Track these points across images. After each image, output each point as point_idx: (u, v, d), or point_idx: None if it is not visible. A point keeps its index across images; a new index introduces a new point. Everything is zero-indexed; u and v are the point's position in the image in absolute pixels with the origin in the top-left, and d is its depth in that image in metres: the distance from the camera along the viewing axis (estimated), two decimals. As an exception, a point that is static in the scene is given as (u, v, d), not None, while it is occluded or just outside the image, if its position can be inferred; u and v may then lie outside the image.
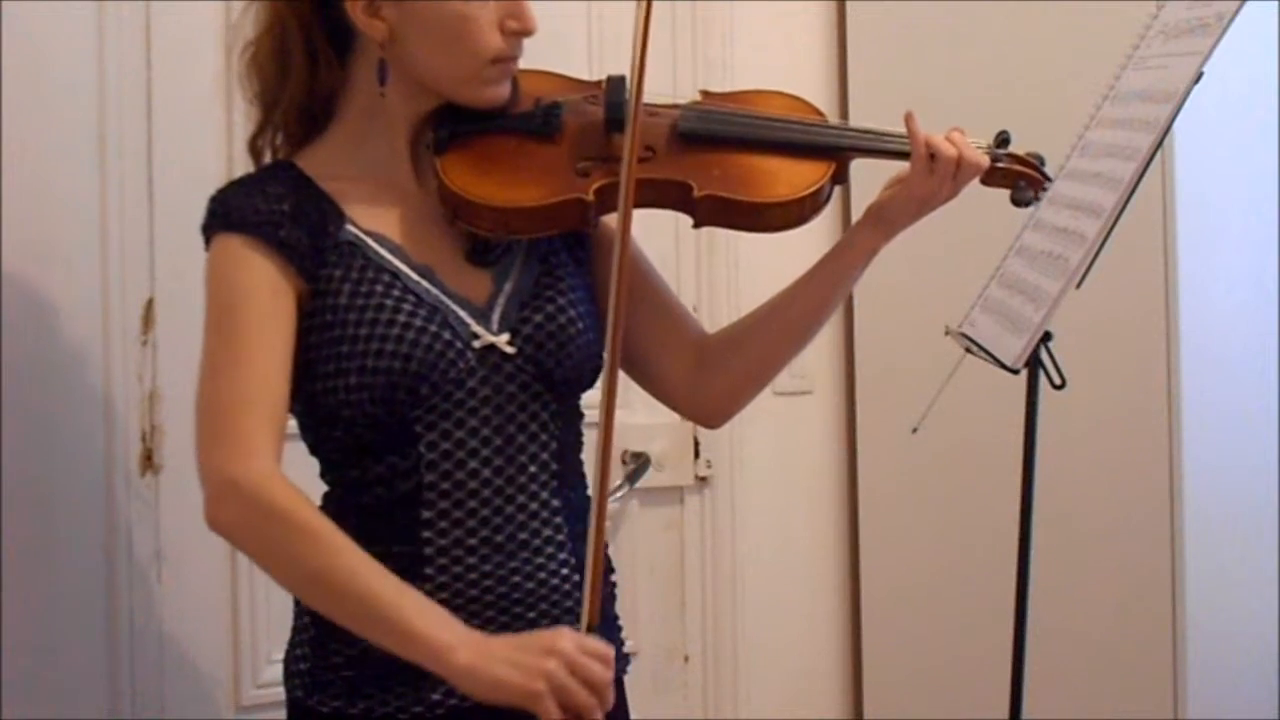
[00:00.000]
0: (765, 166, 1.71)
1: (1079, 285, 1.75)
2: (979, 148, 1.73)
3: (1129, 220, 1.75)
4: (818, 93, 2.89)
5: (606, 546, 1.76)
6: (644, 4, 1.53)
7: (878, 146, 1.74)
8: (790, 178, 1.71)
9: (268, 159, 1.71)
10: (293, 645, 1.68)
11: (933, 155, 1.70)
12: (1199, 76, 1.69)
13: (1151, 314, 2.45)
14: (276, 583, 1.58)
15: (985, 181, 1.76)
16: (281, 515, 1.50)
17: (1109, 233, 1.73)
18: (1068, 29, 2.56)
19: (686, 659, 2.75)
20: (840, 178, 1.74)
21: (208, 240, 1.63)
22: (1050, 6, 2.59)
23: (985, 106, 2.60)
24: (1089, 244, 1.73)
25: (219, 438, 1.54)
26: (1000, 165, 1.76)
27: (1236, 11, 1.68)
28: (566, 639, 1.46)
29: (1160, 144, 1.72)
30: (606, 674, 1.47)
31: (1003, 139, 1.77)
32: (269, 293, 1.58)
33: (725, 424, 1.89)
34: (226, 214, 1.61)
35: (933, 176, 1.70)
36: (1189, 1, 1.78)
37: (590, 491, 1.68)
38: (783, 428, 2.84)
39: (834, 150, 1.74)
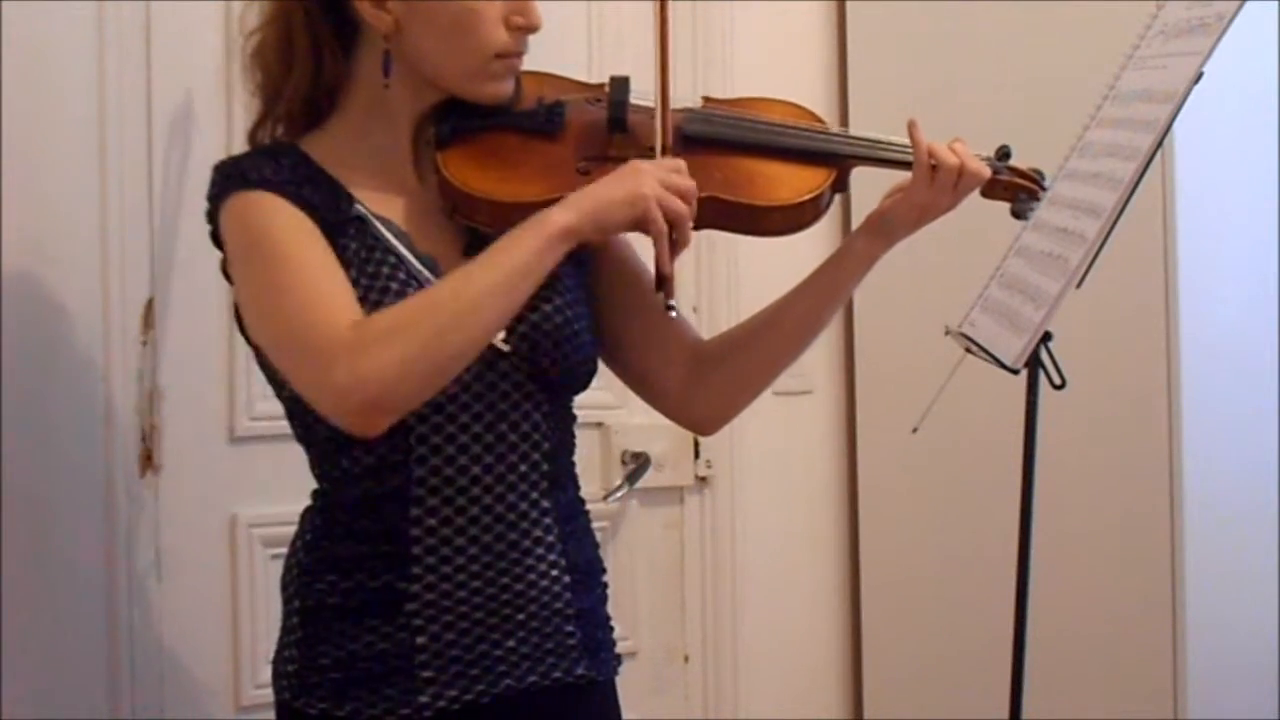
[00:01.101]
0: (767, 171, 1.72)
1: (1079, 285, 1.75)
2: (981, 160, 1.74)
3: (1129, 220, 1.75)
4: (818, 93, 2.89)
5: (598, 547, 1.76)
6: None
7: (880, 155, 1.75)
8: (792, 183, 1.71)
9: None
10: (281, 647, 1.68)
11: (935, 165, 1.70)
12: (1199, 76, 1.69)
13: (1151, 314, 2.45)
14: (460, 360, 1.53)
15: (985, 194, 1.78)
16: (393, 326, 1.47)
17: (1109, 233, 1.73)
18: (1067, 29, 2.56)
19: (686, 659, 2.75)
20: (841, 185, 1.75)
21: (218, 205, 1.60)
22: (1050, 6, 2.59)
23: (985, 106, 2.60)
24: (1089, 244, 1.73)
25: (316, 345, 1.48)
26: (1001, 178, 1.77)
27: (1236, 11, 1.68)
28: (643, 162, 1.59)
29: (1160, 144, 1.72)
30: (693, 185, 1.58)
31: (1004, 152, 1.78)
32: (304, 227, 1.56)
33: (718, 430, 1.89)
34: (243, 174, 1.59)
35: (934, 186, 1.71)
36: (1189, 1, 1.78)
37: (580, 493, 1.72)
38: (783, 428, 2.84)
39: (836, 157, 1.74)
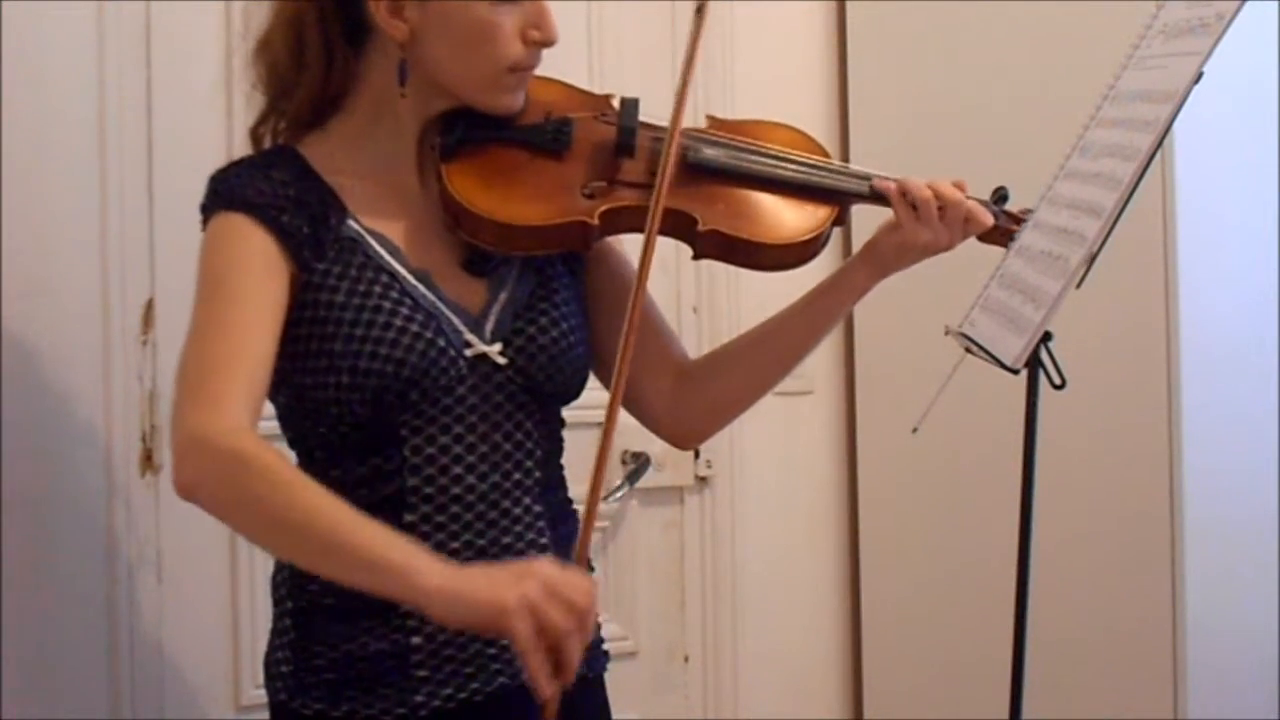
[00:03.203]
0: (770, 206, 1.72)
1: (1079, 285, 1.75)
2: (980, 203, 1.75)
3: (1129, 220, 1.74)
4: (817, 94, 2.89)
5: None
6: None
7: (873, 192, 1.74)
8: (794, 220, 1.71)
9: (268, 145, 1.70)
10: (273, 648, 1.68)
11: (912, 203, 1.71)
12: (1199, 76, 1.69)
13: (1151, 314, 2.45)
14: (244, 536, 1.56)
15: (982, 239, 1.78)
16: (242, 458, 1.44)
17: (1109, 233, 1.73)
18: (1067, 29, 2.56)
19: (686, 659, 2.74)
20: (840, 220, 1.75)
21: (206, 218, 1.61)
22: (1049, 7, 2.59)
23: (985, 107, 2.61)
24: (1089, 244, 1.73)
25: (191, 399, 1.49)
26: (999, 223, 1.77)
27: (1236, 11, 1.67)
28: (545, 565, 1.39)
29: (1160, 144, 1.72)
30: (587, 600, 1.38)
31: (1000, 195, 1.79)
32: (261, 268, 1.56)
33: (699, 444, 1.93)
34: (229, 192, 1.60)
35: (920, 220, 1.72)
36: (1189, 1, 1.78)
37: (581, 491, 1.66)
38: (783, 428, 2.84)
39: (838, 194, 1.74)
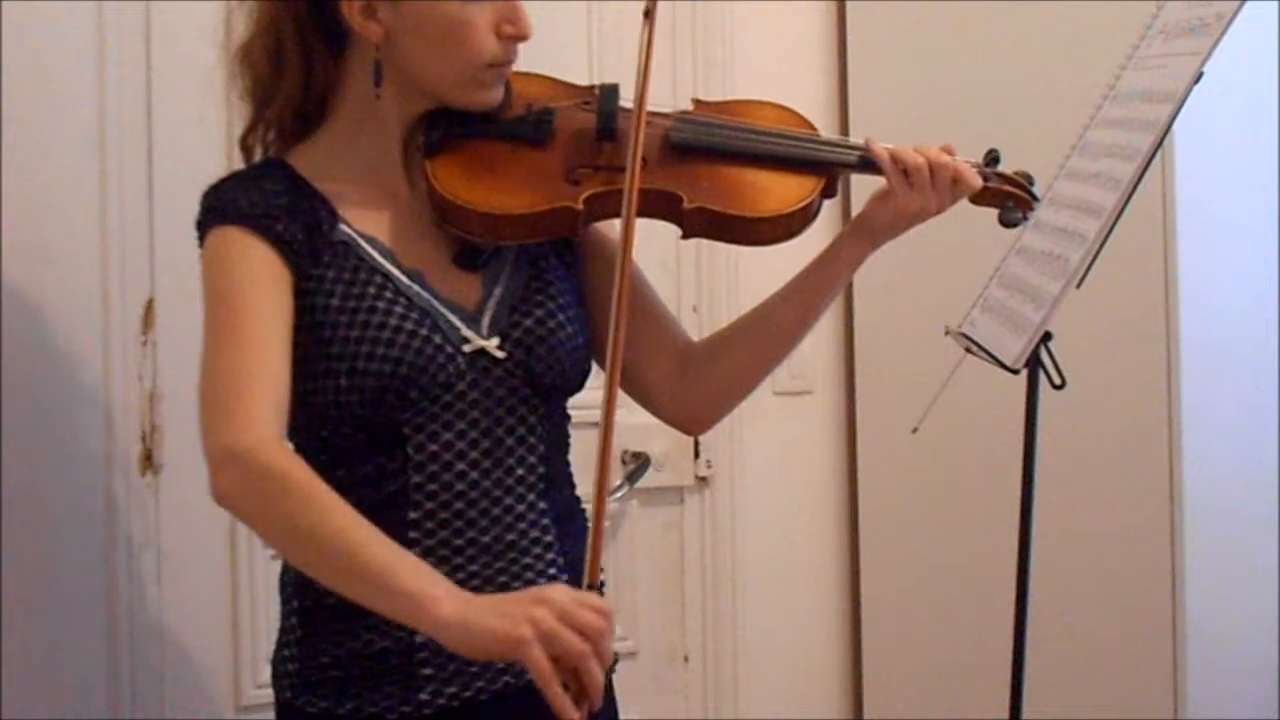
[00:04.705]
0: (755, 180, 1.72)
1: (1079, 285, 1.75)
2: (970, 165, 1.74)
3: (1129, 220, 1.75)
4: (817, 93, 2.89)
5: None
6: (648, 26, 1.57)
7: (863, 161, 1.74)
8: (780, 192, 1.71)
9: (258, 157, 1.71)
10: (280, 646, 1.68)
11: (904, 169, 1.71)
12: (1199, 76, 1.69)
13: (1151, 314, 2.45)
14: (271, 546, 1.58)
15: (974, 201, 1.78)
16: (276, 475, 1.46)
17: (1109, 233, 1.73)
18: (1067, 29, 2.56)
19: (686, 659, 2.75)
20: (830, 192, 1.75)
21: (203, 235, 1.62)
22: (1049, 7, 2.59)
23: (985, 106, 2.60)
24: (1089, 244, 1.73)
25: (220, 411, 1.51)
26: (989, 185, 1.76)
27: (1236, 11, 1.68)
28: (559, 590, 1.39)
29: (1160, 144, 1.72)
30: (601, 623, 1.37)
31: (992, 157, 1.78)
32: (268, 278, 1.57)
33: (706, 430, 1.90)
34: (222, 207, 1.61)
35: (913, 188, 1.71)
36: (1189, 1, 1.78)
37: (584, 491, 1.66)
38: (783, 428, 2.84)
39: (824, 165, 1.74)
